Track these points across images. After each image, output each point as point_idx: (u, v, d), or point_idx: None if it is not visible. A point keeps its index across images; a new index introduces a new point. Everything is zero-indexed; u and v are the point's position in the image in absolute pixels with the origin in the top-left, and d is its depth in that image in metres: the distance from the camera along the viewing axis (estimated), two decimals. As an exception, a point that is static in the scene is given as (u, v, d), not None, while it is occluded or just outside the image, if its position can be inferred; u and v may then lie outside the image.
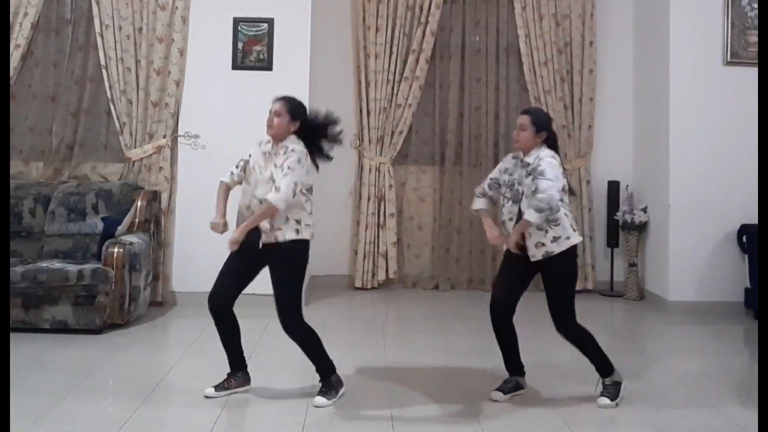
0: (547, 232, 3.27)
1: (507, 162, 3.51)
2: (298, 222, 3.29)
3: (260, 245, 3.25)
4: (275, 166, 3.27)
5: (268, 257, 3.30)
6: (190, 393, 3.42)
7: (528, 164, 3.34)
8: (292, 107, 3.35)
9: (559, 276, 3.36)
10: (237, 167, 3.46)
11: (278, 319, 3.31)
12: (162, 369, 3.81)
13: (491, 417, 3.15)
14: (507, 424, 3.10)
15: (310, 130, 3.36)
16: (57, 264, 4.49)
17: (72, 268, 4.39)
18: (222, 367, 3.78)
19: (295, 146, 3.28)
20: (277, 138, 3.33)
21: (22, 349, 3.95)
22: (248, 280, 3.43)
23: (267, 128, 3.33)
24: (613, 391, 3.39)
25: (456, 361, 4.06)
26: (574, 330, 3.40)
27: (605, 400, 3.35)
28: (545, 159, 3.29)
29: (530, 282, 3.47)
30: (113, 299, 4.45)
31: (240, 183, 3.46)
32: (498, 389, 3.43)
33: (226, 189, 3.52)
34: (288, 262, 3.30)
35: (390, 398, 3.37)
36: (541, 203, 3.17)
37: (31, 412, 3.06)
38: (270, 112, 3.34)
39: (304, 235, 3.31)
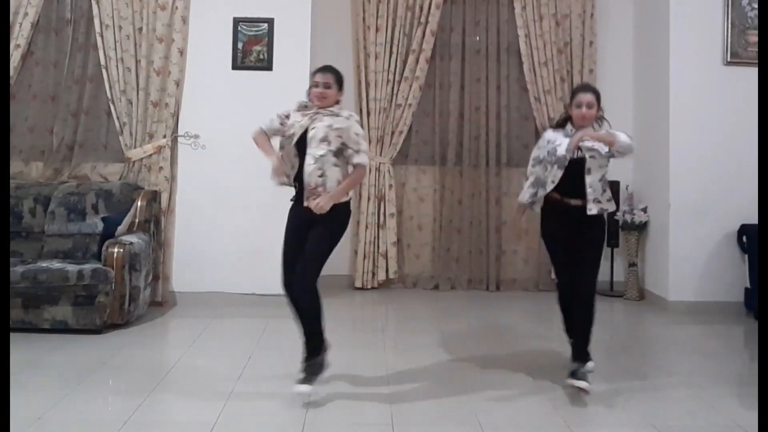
0: (605, 191, 3.46)
1: (549, 134, 3.60)
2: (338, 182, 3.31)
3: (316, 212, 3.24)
4: (330, 127, 3.27)
5: (317, 219, 3.27)
6: (190, 393, 3.42)
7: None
8: (339, 77, 3.39)
9: (599, 237, 3.54)
10: (276, 118, 3.43)
11: (298, 279, 3.28)
12: (162, 369, 3.80)
13: (491, 417, 3.15)
14: (507, 424, 3.10)
15: None
16: (57, 264, 4.49)
17: (72, 268, 4.39)
18: (222, 367, 3.78)
19: (351, 112, 3.37)
20: (325, 107, 3.34)
21: (22, 349, 3.95)
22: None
23: (317, 100, 3.32)
24: (588, 376, 3.48)
25: (456, 361, 4.05)
26: (593, 296, 3.51)
27: (582, 383, 3.41)
28: (609, 131, 3.46)
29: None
30: (113, 299, 4.45)
31: (275, 134, 3.44)
32: (579, 378, 3.43)
33: (266, 135, 3.47)
34: (334, 221, 3.31)
35: (390, 398, 3.37)
36: (627, 139, 3.38)
37: (31, 412, 3.06)
38: (317, 84, 3.32)
39: (351, 194, 3.40)
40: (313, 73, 3.39)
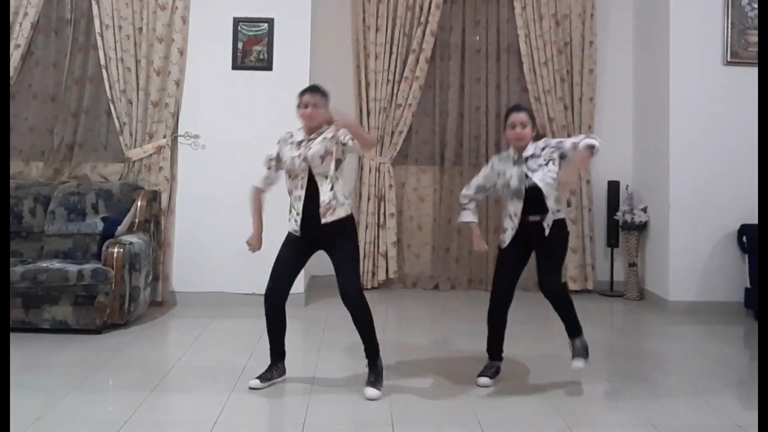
0: (558, 202, 3.52)
1: (496, 165, 3.64)
2: (346, 197, 3.42)
3: (324, 221, 3.32)
4: (324, 139, 3.35)
5: (325, 239, 3.39)
6: (190, 393, 3.43)
7: (530, 156, 3.48)
8: (324, 96, 3.43)
9: (560, 238, 3.57)
10: (268, 168, 3.50)
11: (346, 300, 3.38)
12: (162, 369, 3.80)
13: (491, 417, 3.15)
14: (507, 424, 3.10)
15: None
16: (57, 264, 4.49)
17: (72, 268, 4.39)
18: (221, 367, 3.78)
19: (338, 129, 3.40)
20: (313, 130, 3.39)
21: (22, 349, 3.95)
22: (300, 270, 3.53)
23: (304, 120, 3.38)
24: (584, 352, 3.55)
25: (456, 361, 4.06)
26: (562, 289, 3.62)
27: (580, 362, 3.51)
28: (546, 139, 3.53)
29: (523, 268, 3.68)
30: (113, 299, 4.45)
31: (273, 184, 3.53)
32: (484, 375, 3.60)
33: (260, 198, 3.55)
34: (350, 235, 3.44)
35: (390, 398, 3.37)
36: (592, 138, 3.35)
37: (31, 412, 3.05)
38: (305, 105, 3.37)
39: (351, 208, 3.48)
40: (300, 94, 3.43)
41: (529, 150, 3.49)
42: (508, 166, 3.54)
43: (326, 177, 3.34)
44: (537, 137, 3.57)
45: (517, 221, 3.51)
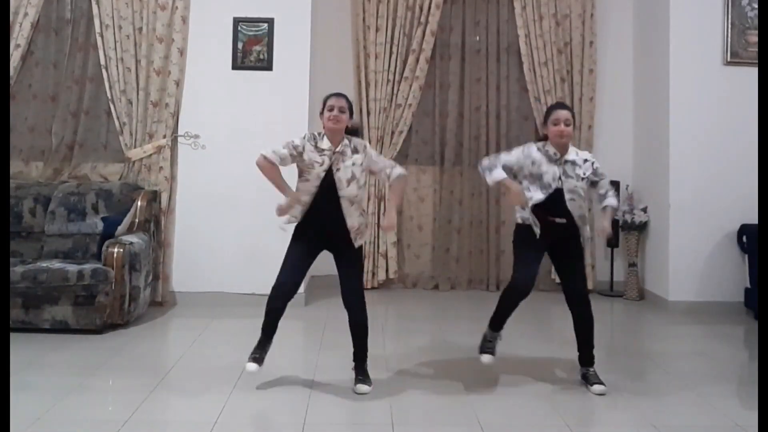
0: (585, 209, 3.58)
1: (533, 152, 3.55)
2: (364, 210, 3.57)
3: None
4: (354, 164, 3.39)
5: (335, 244, 3.44)
6: (191, 393, 3.42)
7: (570, 161, 3.51)
8: (350, 104, 3.49)
9: (580, 247, 3.61)
10: (288, 152, 3.41)
11: (349, 300, 3.44)
12: (162, 369, 3.80)
13: (492, 417, 3.15)
14: (507, 424, 3.10)
15: (353, 127, 3.54)
16: (57, 264, 4.49)
17: (72, 268, 4.39)
18: (221, 367, 3.78)
19: (360, 140, 3.48)
20: (338, 134, 3.41)
21: (22, 349, 3.95)
22: (308, 268, 3.55)
23: (333, 123, 3.38)
24: (598, 377, 3.56)
25: (456, 360, 4.05)
26: (589, 303, 3.61)
27: (602, 387, 3.49)
28: (594, 159, 3.58)
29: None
30: (113, 299, 4.45)
31: (283, 166, 3.46)
32: (485, 352, 3.63)
33: (278, 168, 3.44)
34: (360, 248, 3.50)
35: (390, 398, 3.37)
36: (615, 197, 3.58)
37: (31, 412, 3.05)
38: (332, 108, 3.38)
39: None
40: (327, 98, 3.45)
41: (571, 154, 3.52)
42: (544, 161, 3.51)
43: (351, 202, 3.39)
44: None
45: (529, 206, 3.51)
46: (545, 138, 3.59)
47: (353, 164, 3.39)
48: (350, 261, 3.46)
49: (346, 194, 3.37)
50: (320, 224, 3.42)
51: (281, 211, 3.40)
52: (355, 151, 3.43)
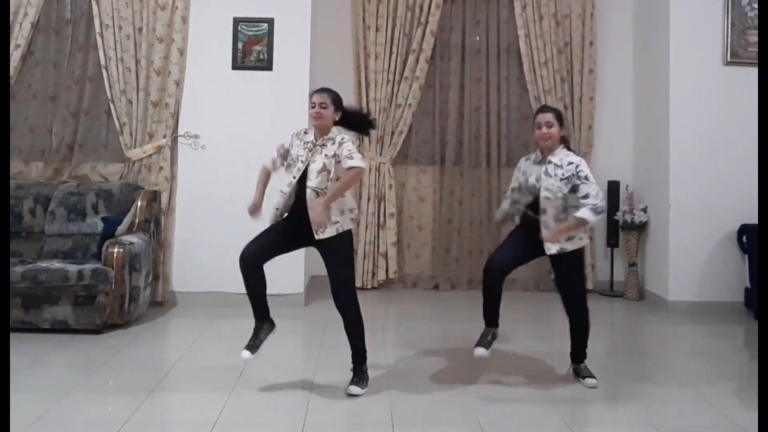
0: (571, 239, 3.54)
1: (522, 165, 3.76)
2: (351, 211, 3.45)
3: (317, 238, 3.36)
4: (326, 156, 3.36)
5: (305, 236, 3.40)
6: (190, 393, 3.42)
7: (553, 163, 3.55)
8: (335, 98, 3.46)
9: (570, 269, 3.63)
10: (277, 154, 3.55)
11: (336, 298, 3.44)
12: (162, 369, 3.80)
13: (492, 417, 3.15)
14: (507, 425, 3.10)
15: (351, 118, 3.51)
16: (57, 264, 4.49)
17: (72, 268, 4.39)
18: (221, 367, 3.78)
19: (344, 135, 3.41)
20: (323, 129, 3.41)
21: (22, 349, 3.95)
22: (285, 251, 3.52)
23: (313, 119, 3.41)
24: (589, 371, 3.66)
25: (456, 361, 4.06)
26: (585, 304, 3.68)
27: (593, 380, 3.59)
28: (580, 162, 3.53)
29: (530, 260, 3.79)
30: (113, 299, 4.45)
31: (277, 170, 3.57)
32: (480, 345, 3.61)
33: (267, 173, 3.61)
34: (342, 246, 3.43)
35: (390, 398, 3.37)
36: (597, 207, 3.42)
37: (31, 412, 3.06)
38: (314, 105, 3.40)
39: (353, 222, 3.49)
40: (311, 95, 3.48)
41: (557, 156, 3.56)
42: (531, 165, 3.66)
43: (317, 193, 3.34)
44: (563, 139, 3.63)
45: (521, 210, 3.68)
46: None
47: (326, 156, 3.36)
48: (327, 256, 3.42)
49: (312, 185, 3.34)
50: (295, 215, 3.44)
51: (250, 210, 3.56)
52: (333, 142, 3.40)
